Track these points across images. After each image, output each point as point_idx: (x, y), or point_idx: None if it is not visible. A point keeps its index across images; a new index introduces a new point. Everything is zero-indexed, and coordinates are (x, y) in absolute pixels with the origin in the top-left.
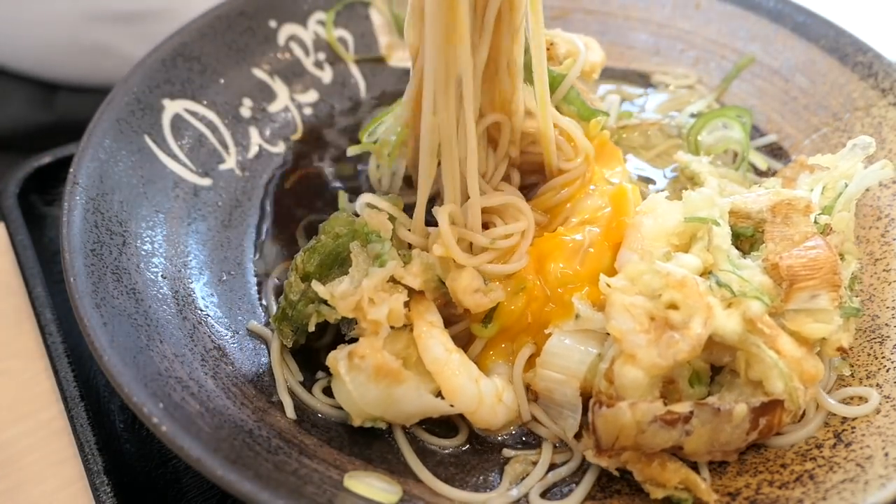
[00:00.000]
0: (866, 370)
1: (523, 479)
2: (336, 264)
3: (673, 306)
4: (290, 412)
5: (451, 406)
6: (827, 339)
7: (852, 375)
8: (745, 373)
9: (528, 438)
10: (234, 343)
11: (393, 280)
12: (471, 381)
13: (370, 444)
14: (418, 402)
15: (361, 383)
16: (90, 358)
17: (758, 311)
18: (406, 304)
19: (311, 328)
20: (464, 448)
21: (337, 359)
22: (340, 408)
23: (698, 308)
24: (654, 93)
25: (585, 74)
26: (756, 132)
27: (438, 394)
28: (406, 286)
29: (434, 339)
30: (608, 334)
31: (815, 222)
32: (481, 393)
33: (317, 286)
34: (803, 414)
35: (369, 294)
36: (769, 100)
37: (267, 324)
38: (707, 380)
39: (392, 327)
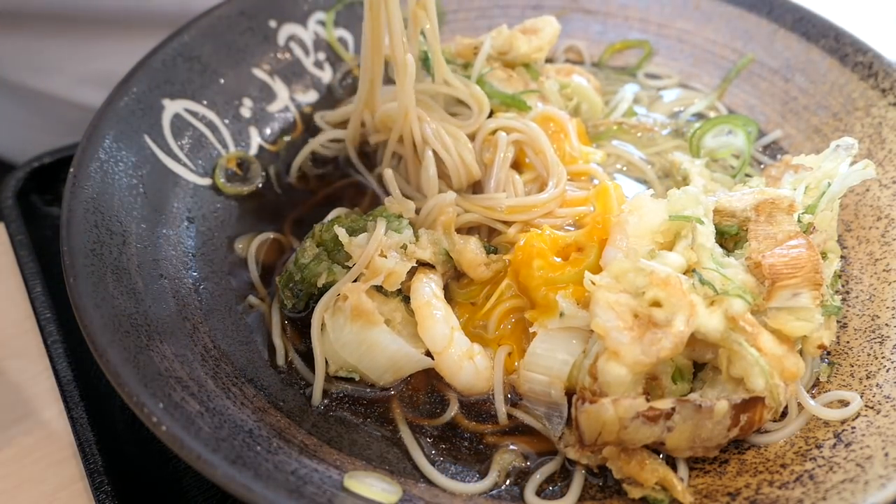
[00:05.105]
0: (866, 370)
1: (510, 468)
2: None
3: (656, 304)
4: (281, 359)
5: (424, 355)
6: (808, 337)
7: (852, 375)
8: (727, 370)
9: (514, 427)
10: (234, 343)
11: (406, 253)
12: (446, 325)
13: (370, 444)
14: (391, 350)
15: (340, 325)
16: (90, 358)
17: (740, 309)
18: (410, 274)
19: (320, 284)
20: (449, 435)
21: (326, 305)
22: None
23: (681, 306)
24: (665, 91)
25: (525, 57)
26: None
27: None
28: (418, 260)
29: (426, 285)
30: (592, 332)
31: (799, 221)
32: (452, 339)
33: (338, 230)
34: (785, 411)
35: (383, 247)
36: (769, 100)
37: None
38: (689, 376)
39: (386, 294)
